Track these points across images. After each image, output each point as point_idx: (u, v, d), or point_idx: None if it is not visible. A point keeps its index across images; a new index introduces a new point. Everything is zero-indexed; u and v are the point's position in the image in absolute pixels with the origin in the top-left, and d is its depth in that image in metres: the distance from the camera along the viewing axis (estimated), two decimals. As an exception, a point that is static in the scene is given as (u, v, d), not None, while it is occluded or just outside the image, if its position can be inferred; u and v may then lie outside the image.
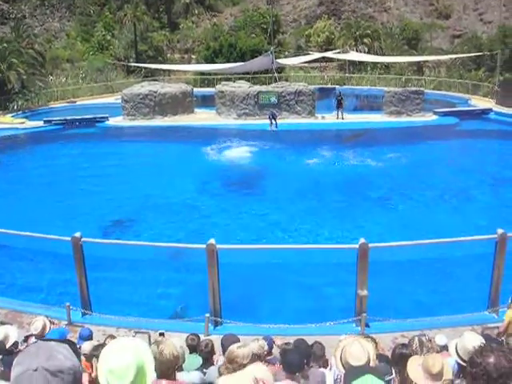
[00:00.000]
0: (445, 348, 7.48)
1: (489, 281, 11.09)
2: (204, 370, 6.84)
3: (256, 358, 6.29)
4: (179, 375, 5.40)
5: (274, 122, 34.78)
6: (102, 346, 4.80)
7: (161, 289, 14.02)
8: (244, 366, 5.37)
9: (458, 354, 4.75)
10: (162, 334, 8.29)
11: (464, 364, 4.64)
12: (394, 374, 6.16)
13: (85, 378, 3.66)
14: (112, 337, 7.70)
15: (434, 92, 46.19)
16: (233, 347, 5.49)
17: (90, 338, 8.57)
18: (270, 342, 7.09)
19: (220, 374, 5.00)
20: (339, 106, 36.75)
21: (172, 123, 36.70)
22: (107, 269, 14.37)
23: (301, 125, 35.55)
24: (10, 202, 20.62)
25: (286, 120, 36.36)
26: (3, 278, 13.86)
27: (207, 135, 33.24)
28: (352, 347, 4.63)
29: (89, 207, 20.34)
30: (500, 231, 10.62)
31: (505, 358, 3.60)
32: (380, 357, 6.56)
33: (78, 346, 7.57)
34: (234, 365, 5.24)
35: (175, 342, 5.10)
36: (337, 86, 48.72)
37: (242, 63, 48.93)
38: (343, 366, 4.67)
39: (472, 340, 4.73)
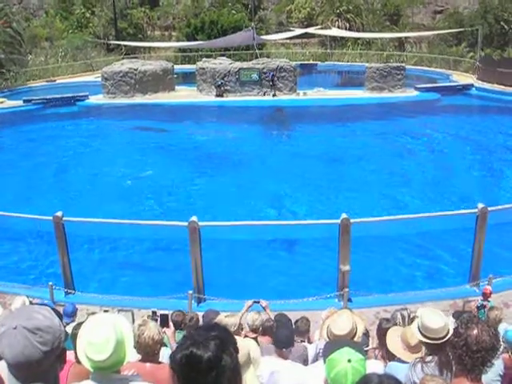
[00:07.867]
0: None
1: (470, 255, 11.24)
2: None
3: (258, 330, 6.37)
4: (163, 350, 5.40)
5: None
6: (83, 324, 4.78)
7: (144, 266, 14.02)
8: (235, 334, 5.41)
9: (420, 332, 4.85)
10: (154, 313, 8.18)
11: (427, 341, 4.78)
12: (370, 346, 6.21)
13: (71, 356, 3.68)
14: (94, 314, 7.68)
15: (416, 68, 46.22)
16: (221, 317, 5.52)
17: (74, 314, 8.54)
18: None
19: None
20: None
21: (152, 101, 36.41)
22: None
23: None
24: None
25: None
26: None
27: (187, 113, 33.19)
28: (340, 317, 4.66)
29: (68, 184, 20.41)
30: (481, 206, 10.72)
31: (487, 333, 3.67)
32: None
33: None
34: None
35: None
36: (318, 62, 48.45)
37: (222, 38, 48.57)
38: (327, 335, 4.70)
39: (430, 316, 4.86)
